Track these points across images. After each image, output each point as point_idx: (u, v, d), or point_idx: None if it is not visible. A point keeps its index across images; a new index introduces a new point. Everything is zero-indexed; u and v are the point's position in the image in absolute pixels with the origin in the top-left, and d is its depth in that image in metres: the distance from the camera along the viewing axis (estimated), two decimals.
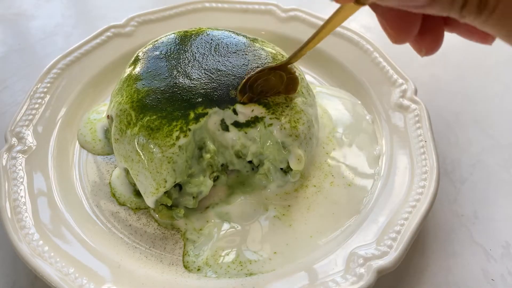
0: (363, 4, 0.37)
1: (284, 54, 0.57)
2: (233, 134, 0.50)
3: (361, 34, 0.66)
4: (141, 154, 0.48)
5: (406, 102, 0.58)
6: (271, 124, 0.49)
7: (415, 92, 0.59)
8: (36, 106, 0.59)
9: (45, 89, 0.61)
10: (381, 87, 0.61)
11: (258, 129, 0.50)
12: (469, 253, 0.51)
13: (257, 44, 0.56)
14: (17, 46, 0.77)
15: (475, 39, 0.35)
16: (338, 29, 0.67)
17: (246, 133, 0.50)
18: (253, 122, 0.50)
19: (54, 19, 0.82)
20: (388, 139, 0.57)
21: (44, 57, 0.74)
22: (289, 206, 0.52)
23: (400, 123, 0.57)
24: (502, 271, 0.49)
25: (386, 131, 0.58)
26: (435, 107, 0.64)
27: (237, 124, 0.50)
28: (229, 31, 0.58)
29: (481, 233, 0.52)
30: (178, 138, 0.47)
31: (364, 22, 0.80)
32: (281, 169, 0.52)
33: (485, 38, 0.34)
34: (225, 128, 0.50)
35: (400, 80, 0.60)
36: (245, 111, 0.50)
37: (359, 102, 0.63)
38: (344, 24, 0.67)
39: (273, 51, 0.55)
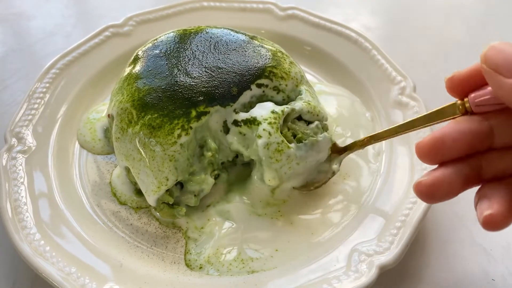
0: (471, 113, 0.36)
1: (283, 51, 0.57)
2: (231, 136, 0.50)
3: (359, 32, 0.67)
4: (143, 152, 0.48)
5: (405, 99, 0.59)
6: (260, 136, 0.48)
7: (414, 90, 0.59)
8: (36, 106, 0.59)
9: (44, 89, 0.61)
10: (380, 85, 0.62)
11: (253, 134, 0.49)
12: (469, 253, 0.51)
13: (256, 42, 0.56)
14: (17, 46, 0.77)
15: None
16: (337, 27, 0.68)
17: (244, 134, 0.49)
18: (250, 122, 0.49)
19: (54, 19, 0.82)
20: None
21: (44, 57, 0.74)
22: (289, 203, 0.52)
23: (399, 120, 0.57)
24: (502, 271, 0.49)
25: (385, 128, 0.58)
26: (435, 106, 0.64)
27: (236, 123, 0.50)
28: (228, 28, 0.58)
29: (481, 233, 0.51)
30: (179, 136, 0.47)
31: (364, 22, 0.81)
32: None
33: None
34: (226, 131, 0.50)
35: (399, 78, 0.61)
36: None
37: (358, 99, 0.63)
38: (344, 23, 0.68)
39: (273, 48, 0.56)
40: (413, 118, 0.43)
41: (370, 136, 0.48)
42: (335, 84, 0.66)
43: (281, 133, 0.49)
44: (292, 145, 0.49)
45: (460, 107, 0.36)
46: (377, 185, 0.53)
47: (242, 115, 0.50)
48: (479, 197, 0.35)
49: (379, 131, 0.47)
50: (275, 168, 0.48)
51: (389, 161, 0.55)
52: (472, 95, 0.36)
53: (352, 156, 0.55)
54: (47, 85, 0.61)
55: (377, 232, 0.48)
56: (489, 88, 0.34)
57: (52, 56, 0.65)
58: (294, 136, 0.50)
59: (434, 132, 0.36)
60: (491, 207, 0.33)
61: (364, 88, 0.63)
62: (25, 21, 0.82)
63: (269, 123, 0.48)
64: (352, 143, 0.51)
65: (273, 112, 0.49)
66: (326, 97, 0.62)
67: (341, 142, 0.57)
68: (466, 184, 0.36)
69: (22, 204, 0.50)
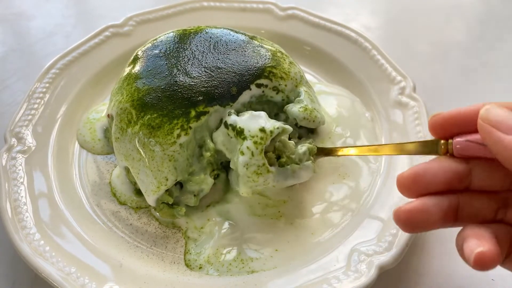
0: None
1: (283, 51, 0.57)
2: (218, 134, 0.49)
3: (359, 32, 0.67)
4: (142, 152, 0.48)
5: (405, 99, 0.59)
6: (242, 153, 0.46)
7: (414, 89, 0.59)
8: (35, 106, 0.59)
9: (44, 89, 0.61)
10: (380, 85, 0.62)
11: (237, 145, 0.48)
12: None
13: (256, 42, 0.56)
14: (17, 46, 0.77)
15: None
16: (337, 27, 0.68)
17: (231, 138, 0.48)
18: (237, 132, 0.48)
19: (54, 19, 0.82)
20: (388, 136, 0.58)
21: (44, 57, 0.74)
22: (289, 204, 0.52)
23: (399, 120, 0.58)
24: (502, 271, 0.49)
25: (385, 128, 0.58)
26: (435, 106, 0.64)
27: (226, 125, 0.49)
28: (228, 29, 0.58)
29: None
30: (179, 136, 0.47)
31: (364, 22, 0.81)
32: None
33: None
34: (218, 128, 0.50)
35: (399, 78, 0.61)
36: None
37: (358, 99, 0.63)
38: (345, 23, 0.68)
39: (272, 48, 0.56)
40: (393, 143, 0.45)
41: (343, 148, 0.51)
42: (335, 84, 0.66)
43: (266, 153, 0.47)
44: (273, 168, 0.47)
45: (443, 147, 0.39)
46: (376, 185, 0.53)
47: (233, 119, 0.48)
48: (463, 238, 0.35)
49: (359, 145, 0.51)
50: (250, 186, 0.48)
51: (388, 161, 0.55)
52: (456, 140, 0.38)
53: (351, 156, 0.55)
54: (47, 85, 0.61)
55: (377, 232, 0.48)
56: (472, 137, 0.37)
57: (52, 56, 0.65)
58: (278, 157, 0.49)
59: (416, 166, 0.38)
60: (481, 245, 0.33)
61: (364, 88, 0.63)
62: (25, 21, 0.82)
63: (255, 142, 0.46)
64: (328, 148, 0.52)
65: (261, 130, 0.47)
66: (326, 97, 0.62)
67: (342, 143, 0.57)
68: (444, 219, 0.37)
69: (22, 204, 0.50)
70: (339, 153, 0.51)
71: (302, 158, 0.50)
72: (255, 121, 0.48)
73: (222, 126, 0.49)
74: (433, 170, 0.38)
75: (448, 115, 0.38)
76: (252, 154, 0.46)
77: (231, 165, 0.49)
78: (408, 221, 0.37)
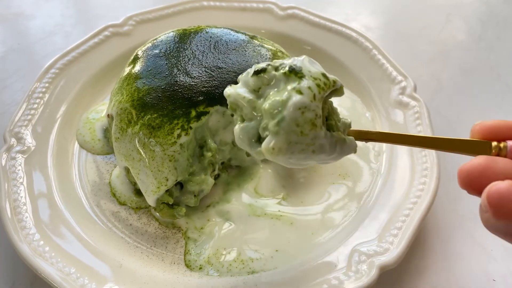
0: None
1: (283, 51, 0.57)
2: (239, 87, 0.39)
3: (360, 32, 0.67)
4: (142, 152, 0.48)
5: (405, 99, 0.59)
6: (300, 92, 0.35)
7: (415, 89, 0.59)
8: (35, 106, 0.59)
9: (44, 89, 0.61)
10: (380, 84, 0.62)
11: (285, 84, 0.36)
12: (470, 253, 0.51)
13: (256, 41, 0.56)
14: (17, 45, 0.77)
15: None
16: (337, 27, 0.68)
17: (258, 90, 0.37)
18: (290, 69, 0.37)
19: (53, 18, 0.82)
20: None
21: (43, 57, 0.74)
22: (289, 204, 0.52)
23: (400, 120, 0.58)
24: (503, 272, 0.49)
25: (386, 128, 0.58)
26: (435, 106, 0.64)
27: (258, 72, 0.38)
28: (228, 28, 0.58)
29: (482, 233, 0.52)
30: (179, 136, 0.47)
31: (364, 22, 0.81)
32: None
33: None
34: None
35: (399, 77, 0.61)
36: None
37: (358, 99, 0.63)
38: (345, 23, 0.68)
39: (273, 48, 0.56)
40: (439, 136, 0.38)
41: (381, 133, 0.39)
42: None
43: None
44: (324, 128, 0.36)
45: (494, 149, 0.34)
46: (377, 185, 0.53)
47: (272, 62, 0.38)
48: None
49: (397, 133, 0.40)
50: (290, 141, 0.35)
51: (389, 161, 0.55)
52: (510, 142, 0.34)
53: (352, 156, 0.55)
54: (47, 85, 0.61)
55: (377, 232, 0.48)
56: None
57: (51, 56, 0.65)
58: (326, 119, 0.38)
59: (479, 157, 0.32)
60: None
61: (365, 88, 0.63)
62: (25, 21, 0.82)
63: (318, 85, 0.36)
64: (365, 132, 0.40)
65: (324, 75, 0.37)
66: None
67: None
68: None
69: (21, 204, 0.50)
70: (374, 138, 0.40)
71: (345, 130, 0.40)
72: (315, 65, 0.38)
73: (246, 74, 0.38)
74: (504, 161, 0.31)
75: (494, 122, 0.35)
76: (314, 98, 0.35)
77: (258, 107, 0.37)
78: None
